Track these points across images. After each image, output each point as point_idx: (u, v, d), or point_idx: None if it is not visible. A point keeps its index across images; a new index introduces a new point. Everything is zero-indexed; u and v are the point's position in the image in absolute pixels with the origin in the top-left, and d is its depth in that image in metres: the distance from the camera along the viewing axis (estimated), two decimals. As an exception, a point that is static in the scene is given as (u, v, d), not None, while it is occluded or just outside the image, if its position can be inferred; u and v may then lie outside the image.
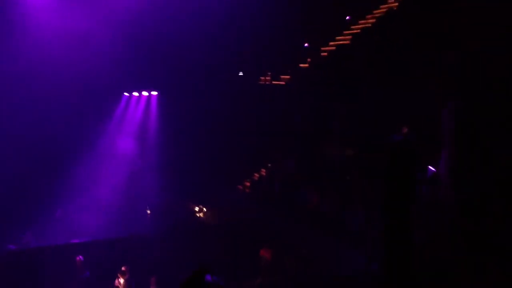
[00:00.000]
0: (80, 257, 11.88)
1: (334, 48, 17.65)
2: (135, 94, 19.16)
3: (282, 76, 18.59)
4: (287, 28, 17.61)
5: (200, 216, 17.10)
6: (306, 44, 18.79)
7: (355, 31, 17.39)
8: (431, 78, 11.41)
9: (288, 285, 11.69)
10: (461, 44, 10.68)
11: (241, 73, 19.61)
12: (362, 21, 17.46)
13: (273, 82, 18.72)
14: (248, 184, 17.23)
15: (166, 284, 11.27)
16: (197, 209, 17.18)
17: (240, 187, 17.24)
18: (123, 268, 11.41)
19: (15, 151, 15.69)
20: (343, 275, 10.52)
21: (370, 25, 16.99)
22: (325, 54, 17.77)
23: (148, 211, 16.69)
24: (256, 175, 17.32)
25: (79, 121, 16.70)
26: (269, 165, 17.06)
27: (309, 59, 18.12)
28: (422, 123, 10.71)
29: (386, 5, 16.92)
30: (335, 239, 11.53)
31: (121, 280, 11.34)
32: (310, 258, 11.95)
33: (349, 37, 17.35)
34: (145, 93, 19.18)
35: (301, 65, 18.27)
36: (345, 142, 14.02)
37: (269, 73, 18.84)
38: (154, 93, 19.14)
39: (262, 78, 19.06)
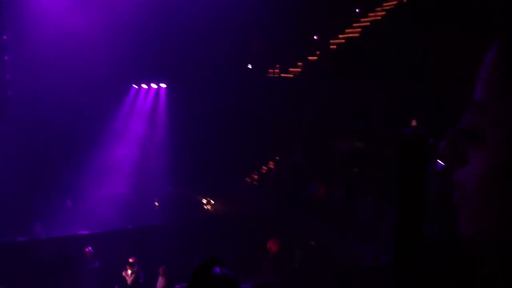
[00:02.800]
0: (90, 248, 11.96)
1: (343, 40, 17.54)
2: (144, 86, 19.17)
3: (291, 69, 18.51)
4: (296, 21, 17.52)
5: (207, 208, 17.14)
6: (315, 37, 18.68)
7: (364, 23, 17.27)
8: (442, 71, 11.31)
9: (296, 277, 11.70)
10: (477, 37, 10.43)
11: (249, 66, 19.54)
12: (372, 14, 17.33)
13: (282, 75, 18.64)
14: (256, 177, 17.22)
15: (174, 275, 11.33)
16: (204, 201, 17.22)
17: (248, 179, 17.23)
18: (131, 260, 11.47)
19: (25, 144, 15.79)
20: (352, 266, 10.51)
21: (379, 17, 16.86)
22: (334, 47, 17.67)
23: (156, 203, 16.76)
24: (264, 168, 17.30)
25: (87, 114, 16.74)
26: (277, 158, 17.03)
27: (318, 52, 18.02)
28: (432, 116, 10.62)
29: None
30: (344, 231, 11.51)
31: (129, 271, 11.41)
32: (318, 249, 11.95)
33: (359, 29, 17.24)
34: (153, 86, 19.18)
35: (310, 57, 18.18)
36: (354, 134, 13.96)
37: (278, 66, 18.76)
38: (163, 85, 19.13)
39: (271, 70, 18.99)
